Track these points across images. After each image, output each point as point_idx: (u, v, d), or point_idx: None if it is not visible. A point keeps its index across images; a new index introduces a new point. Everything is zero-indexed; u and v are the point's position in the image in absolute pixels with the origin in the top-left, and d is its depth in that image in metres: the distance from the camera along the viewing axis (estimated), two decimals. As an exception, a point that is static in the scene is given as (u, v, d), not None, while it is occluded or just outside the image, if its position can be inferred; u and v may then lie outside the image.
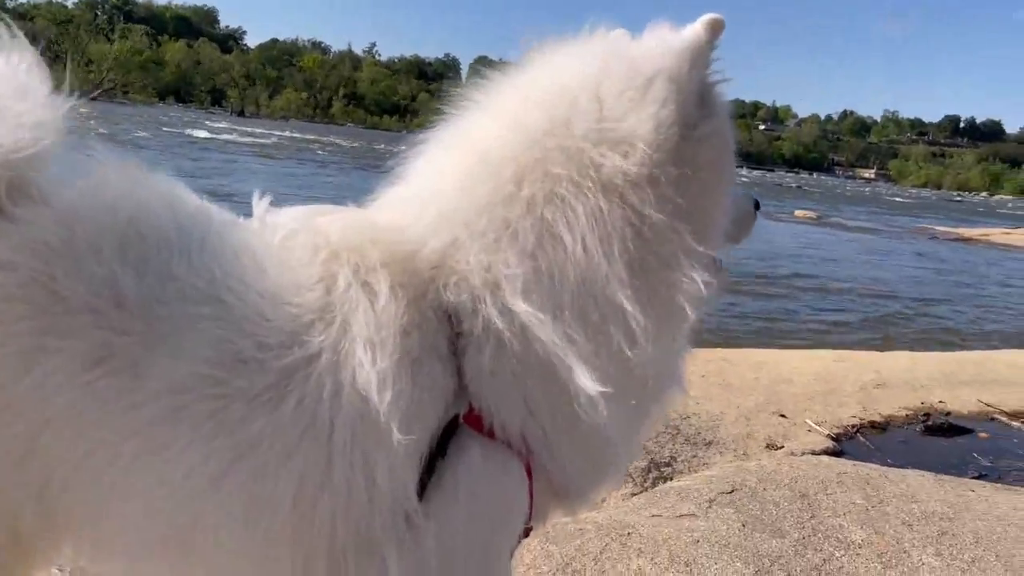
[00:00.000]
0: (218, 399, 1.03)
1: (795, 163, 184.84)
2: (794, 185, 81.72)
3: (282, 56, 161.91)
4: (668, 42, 1.23)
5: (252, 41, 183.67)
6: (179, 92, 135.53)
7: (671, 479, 3.68)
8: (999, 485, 3.84)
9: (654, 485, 3.57)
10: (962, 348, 8.99)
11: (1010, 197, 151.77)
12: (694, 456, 3.99)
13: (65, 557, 1.31)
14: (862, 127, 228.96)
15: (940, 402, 5.51)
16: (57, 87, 1.18)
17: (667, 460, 3.86)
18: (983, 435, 5.01)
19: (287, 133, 64.05)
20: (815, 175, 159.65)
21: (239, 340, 1.05)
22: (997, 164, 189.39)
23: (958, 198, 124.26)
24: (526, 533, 1.26)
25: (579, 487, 1.27)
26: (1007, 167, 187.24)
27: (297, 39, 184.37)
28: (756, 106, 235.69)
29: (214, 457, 1.03)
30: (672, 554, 2.58)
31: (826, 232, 27.22)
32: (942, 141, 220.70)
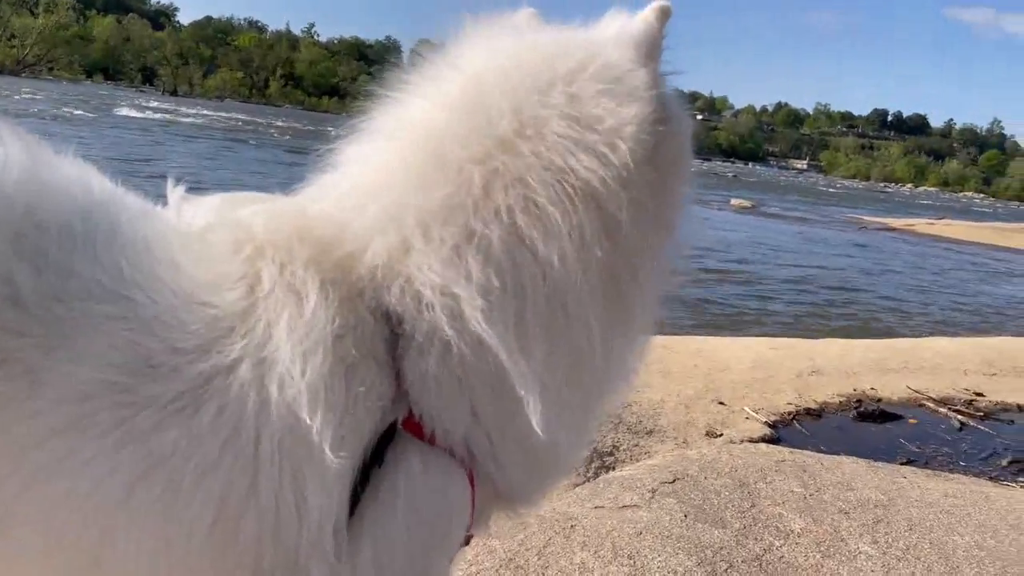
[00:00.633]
0: (126, 407, 0.92)
1: (731, 153, 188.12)
2: (730, 175, 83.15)
3: (216, 34, 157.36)
4: (631, 33, 1.15)
5: (185, 18, 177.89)
6: (108, 70, 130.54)
7: (614, 468, 3.67)
8: (928, 471, 3.95)
9: (597, 475, 3.55)
10: (892, 336, 9.25)
11: (933, 189, 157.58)
12: (636, 445, 3.99)
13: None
14: (795, 119, 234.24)
15: (872, 389, 5.65)
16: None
17: (609, 450, 3.85)
18: (912, 421, 5.15)
19: (221, 113, 62.38)
20: (750, 165, 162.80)
21: (149, 343, 0.95)
22: (922, 157, 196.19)
23: (885, 189, 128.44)
24: (466, 541, 1.19)
25: (525, 491, 1.21)
26: (931, 160, 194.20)
27: (232, 17, 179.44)
28: (694, 96, 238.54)
29: (122, 470, 0.92)
30: (616, 547, 2.56)
31: (762, 221, 27.79)
32: (871, 134, 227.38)
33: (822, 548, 2.71)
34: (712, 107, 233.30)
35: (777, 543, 2.71)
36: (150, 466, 0.92)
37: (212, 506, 0.94)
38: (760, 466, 3.49)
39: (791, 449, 3.95)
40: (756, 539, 2.72)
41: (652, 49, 1.14)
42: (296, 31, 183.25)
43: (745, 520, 2.87)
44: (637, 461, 3.73)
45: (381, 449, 1.02)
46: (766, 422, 4.72)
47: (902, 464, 4.12)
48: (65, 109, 38.41)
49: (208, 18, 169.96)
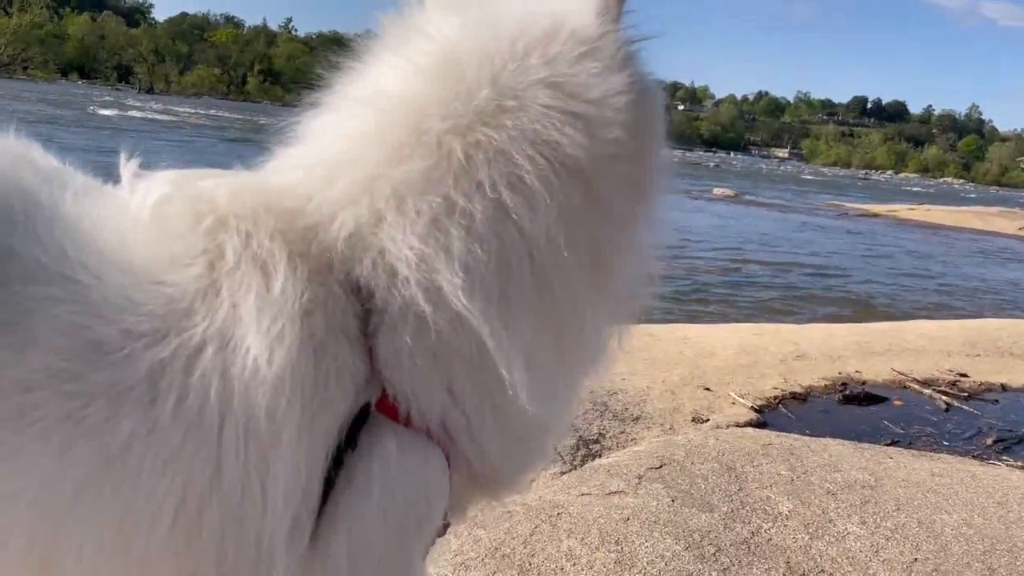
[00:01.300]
0: (75, 397, 0.86)
1: (713, 143, 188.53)
2: (712, 164, 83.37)
3: (193, 31, 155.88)
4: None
5: (160, 15, 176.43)
6: (83, 68, 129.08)
7: (600, 456, 3.64)
8: (914, 451, 3.95)
9: (583, 463, 3.52)
10: (876, 319, 9.28)
11: (914, 175, 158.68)
12: (622, 432, 3.96)
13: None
14: (776, 108, 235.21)
15: (856, 372, 5.66)
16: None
17: (595, 437, 3.82)
18: (898, 402, 5.17)
19: (198, 110, 61.80)
20: (732, 154, 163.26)
21: (99, 327, 0.88)
22: (902, 143, 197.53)
23: (867, 176, 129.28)
24: (443, 529, 1.13)
25: (506, 474, 1.15)
26: (911, 146, 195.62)
27: (208, 13, 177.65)
28: (675, 86, 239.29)
29: (75, 464, 0.86)
30: (603, 533, 2.53)
31: (744, 210, 27.88)
32: (851, 121, 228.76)
33: (810, 529, 2.69)
34: (693, 97, 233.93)
35: (765, 525, 2.69)
36: (103, 462, 0.86)
37: (173, 500, 0.89)
38: (747, 450, 3.47)
39: (777, 433, 3.94)
40: (744, 522, 2.70)
41: (616, 12, 1.10)
42: (273, 26, 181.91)
43: (733, 504, 2.85)
44: (623, 448, 3.70)
45: (355, 432, 0.96)
46: (752, 407, 4.71)
47: (887, 445, 4.11)
48: (39, 108, 37.91)
49: (184, 14, 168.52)
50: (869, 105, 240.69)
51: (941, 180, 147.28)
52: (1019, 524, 2.88)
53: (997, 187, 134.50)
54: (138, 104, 57.03)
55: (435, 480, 1.04)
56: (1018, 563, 2.55)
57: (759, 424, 4.40)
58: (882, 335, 6.88)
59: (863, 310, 10.89)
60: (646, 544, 2.48)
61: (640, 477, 3.04)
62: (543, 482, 3.25)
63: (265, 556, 0.92)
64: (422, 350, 0.98)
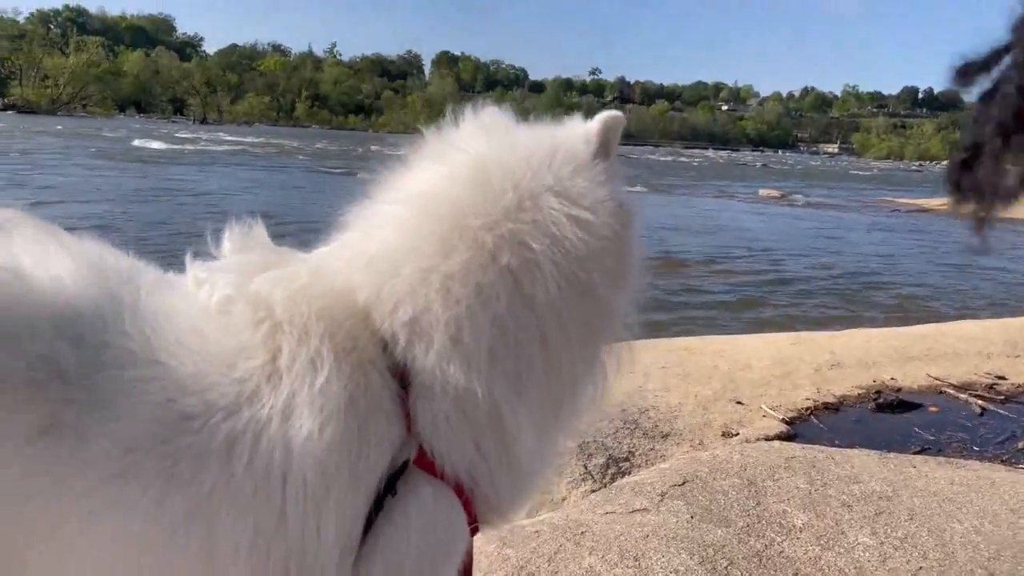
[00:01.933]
0: (167, 457, 1.11)
1: (759, 142, 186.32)
2: (759, 164, 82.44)
3: (242, 61, 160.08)
4: (588, 132, 1.40)
5: (211, 47, 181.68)
6: (139, 103, 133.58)
7: (629, 474, 3.82)
8: (941, 459, 4.03)
9: (612, 481, 3.71)
10: (923, 321, 9.23)
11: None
12: (651, 449, 4.14)
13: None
14: (823, 103, 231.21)
15: (891, 379, 5.71)
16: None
17: (625, 455, 4.00)
18: (933, 409, 5.21)
19: (250, 139, 63.43)
20: (780, 152, 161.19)
21: (184, 400, 1.13)
22: (956, 133, 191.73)
23: (921, 167, 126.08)
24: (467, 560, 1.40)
25: (510, 509, 1.42)
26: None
27: (256, 43, 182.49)
28: (718, 87, 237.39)
29: (169, 511, 1.10)
30: (622, 550, 2.72)
31: (791, 211, 27.60)
32: (902, 112, 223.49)
33: (822, 541, 2.83)
34: (737, 97, 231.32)
35: (778, 539, 2.84)
36: (192, 508, 1.12)
37: (247, 538, 1.14)
38: (770, 464, 3.62)
39: (803, 445, 4.06)
40: (758, 536, 2.86)
41: (605, 146, 1.40)
42: (319, 52, 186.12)
43: (749, 518, 3.01)
44: (652, 465, 3.87)
45: (393, 481, 1.22)
46: (782, 419, 4.83)
47: (915, 453, 4.20)
48: (99, 144, 39.44)
49: (233, 46, 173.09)
50: (920, 95, 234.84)
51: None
52: (1033, 530, 2.97)
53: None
54: (196, 136, 58.81)
55: (461, 522, 1.30)
56: (1020, 568, 2.66)
57: (788, 436, 4.52)
58: (921, 339, 6.89)
59: (911, 312, 10.80)
60: (662, 559, 2.66)
61: (663, 495, 3.22)
62: (572, 501, 3.45)
63: None
64: (455, 415, 1.24)
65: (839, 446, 4.22)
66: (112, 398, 1.12)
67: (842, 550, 2.78)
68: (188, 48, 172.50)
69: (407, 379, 1.23)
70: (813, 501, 3.18)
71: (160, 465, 1.11)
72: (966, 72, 0.73)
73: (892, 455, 3.97)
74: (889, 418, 5.05)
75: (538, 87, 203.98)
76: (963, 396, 5.37)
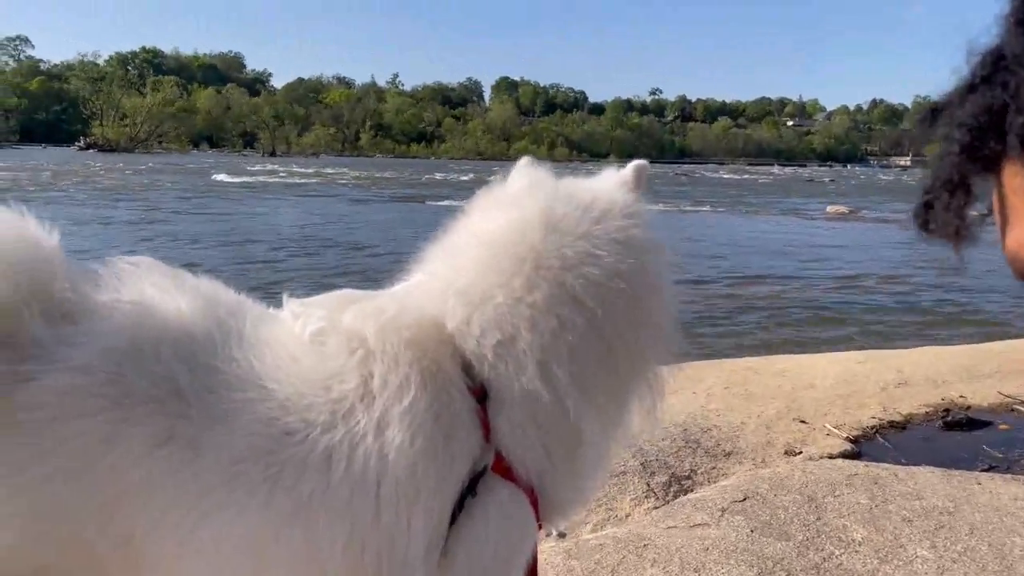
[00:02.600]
0: (272, 466, 1.31)
1: (827, 156, 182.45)
2: (827, 179, 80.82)
3: (308, 94, 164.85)
4: (623, 180, 1.65)
5: (278, 82, 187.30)
6: (211, 138, 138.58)
7: (691, 491, 3.92)
8: (1008, 476, 4.01)
9: (675, 498, 3.81)
10: (996, 338, 9.02)
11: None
12: (713, 467, 4.23)
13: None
14: (893, 115, 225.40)
15: (961, 397, 5.65)
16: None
17: (687, 473, 4.10)
18: (1003, 427, 5.15)
19: (319, 169, 65.16)
20: (849, 167, 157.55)
21: (285, 417, 1.34)
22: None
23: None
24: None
25: (569, 511, 1.63)
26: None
27: (322, 76, 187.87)
28: (782, 102, 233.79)
29: (272, 514, 1.30)
30: (683, 562, 2.84)
31: (860, 228, 27.06)
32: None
33: (880, 555, 2.90)
34: (802, 111, 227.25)
35: (837, 552, 2.92)
36: (294, 511, 1.32)
37: (344, 536, 1.34)
38: (831, 481, 3.68)
39: (866, 463, 4.10)
40: (817, 549, 2.95)
41: (640, 187, 1.66)
42: (381, 82, 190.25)
43: (809, 532, 3.09)
44: (714, 483, 3.97)
45: (474, 484, 1.41)
46: (847, 437, 4.85)
47: (982, 471, 4.19)
48: (178, 179, 41.14)
49: (300, 79, 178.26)
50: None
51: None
52: (1099, 545, 2.98)
53: None
54: (265, 168, 60.72)
55: (532, 522, 1.49)
56: (1081, 582, 2.68)
57: (853, 455, 4.54)
58: (992, 356, 6.78)
59: (981, 329, 10.54)
60: (722, 571, 2.77)
61: (724, 510, 3.33)
62: (635, 517, 3.58)
63: (408, 569, 1.38)
64: (531, 425, 1.45)
65: (905, 464, 4.23)
66: (222, 416, 1.33)
67: (900, 563, 2.84)
68: (257, 83, 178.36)
69: (485, 395, 1.43)
70: (873, 516, 3.24)
71: (265, 474, 1.32)
72: (929, 119, 0.80)
73: (956, 472, 3.97)
74: (957, 436, 5.01)
75: (598, 109, 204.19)
76: (1035, 414, 5.29)
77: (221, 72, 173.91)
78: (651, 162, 1.77)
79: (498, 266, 1.50)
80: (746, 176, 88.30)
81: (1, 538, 1.32)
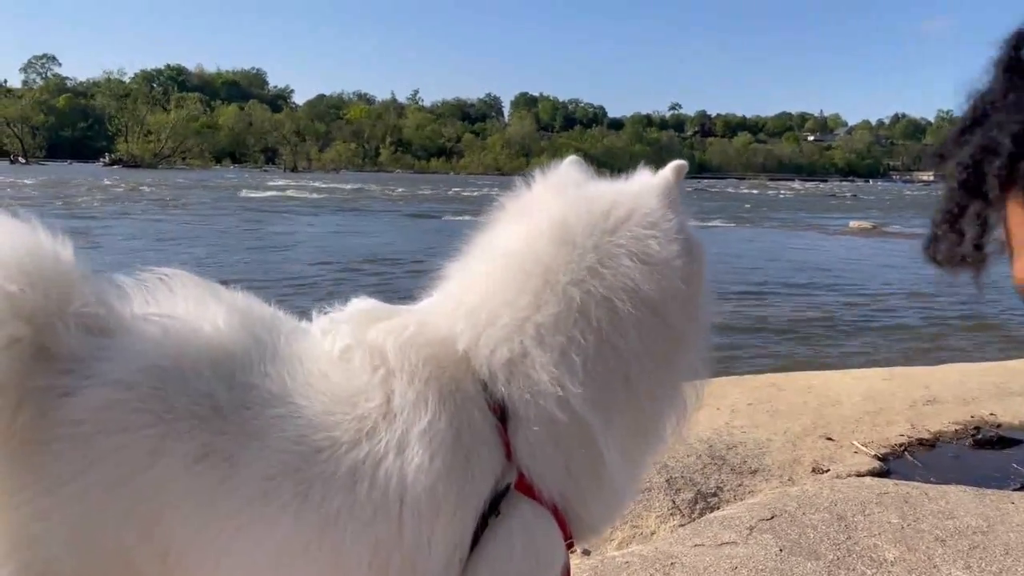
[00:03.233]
0: (302, 482, 1.33)
1: (849, 172, 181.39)
2: (849, 194, 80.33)
3: (329, 110, 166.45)
4: (657, 186, 1.58)
5: (300, 98, 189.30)
6: (234, 154, 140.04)
7: (718, 508, 3.88)
8: (1042, 496, 3.93)
9: (701, 515, 3.77)
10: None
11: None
12: (740, 485, 4.18)
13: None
14: (916, 129, 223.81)
15: (991, 415, 5.56)
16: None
17: (713, 491, 4.06)
18: (1034, 445, 5.06)
19: (340, 185, 65.64)
20: (871, 182, 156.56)
21: (314, 434, 1.35)
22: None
23: None
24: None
25: (600, 525, 1.60)
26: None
27: (342, 92, 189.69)
28: (803, 118, 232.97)
29: (302, 528, 1.32)
30: (712, 580, 2.80)
31: (883, 243, 26.82)
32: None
33: (914, 575, 2.85)
34: (823, 126, 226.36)
35: (869, 572, 2.87)
36: (322, 526, 1.33)
37: (368, 551, 1.34)
38: (861, 499, 3.62)
39: (896, 481, 4.04)
40: (848, 569, 2.90)
41: (674, 197, 1.57)
42: (401, 99, 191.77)
43: (839, 552, 3.04)
44: (740, 500, 3.92)
45: (497, 503, 1.40)
46: (875, 455, 4.78)
47: (1015, 490, 4.11)
48: (201, 194, 41.61)
49: (321, 96, 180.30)
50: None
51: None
52: None
53: None
54: (289, 184, 61.28)
55: (559, 538, 1.47)
56: (1123, 605, 2.62)
57: (881, 473, 4.48)
58: (1021, 374, 6.68)
59: (1013, 347, 10.38)
60: (752, 590, 2.73)
61: (751, 528, 3.28)
62: (661, 535, 3.54)
63: None
64: (550, 443, 1.43)
65: (934, 483, 4.17)
66: (257, 432, 1.35)
67: (935, 584, 2.79)
68: (279, 100, 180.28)
69: (505, 413, 1.41)
70: (905, 536, 3.18)
71: (296, 490, 1.33)
72: (940, 157, 0.83)
73: (989, 491, 3.90)
74: (988, 455, 4.93)
75: (617, 124, 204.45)
76: (1068, 432, 5.19)
77: (244, 88, 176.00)
78: None
79: (505, 283, 1.48)
80: (767, 191, 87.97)
81: (42, 551, 1.33)
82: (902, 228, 32.52)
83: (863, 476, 4.32)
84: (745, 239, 26.05)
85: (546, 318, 1.43)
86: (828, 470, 4.50)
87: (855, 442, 4.99)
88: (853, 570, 2.89)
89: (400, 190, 60.11)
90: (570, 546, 1.51)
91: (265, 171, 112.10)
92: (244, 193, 46.34)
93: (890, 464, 4.70)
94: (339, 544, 1.33)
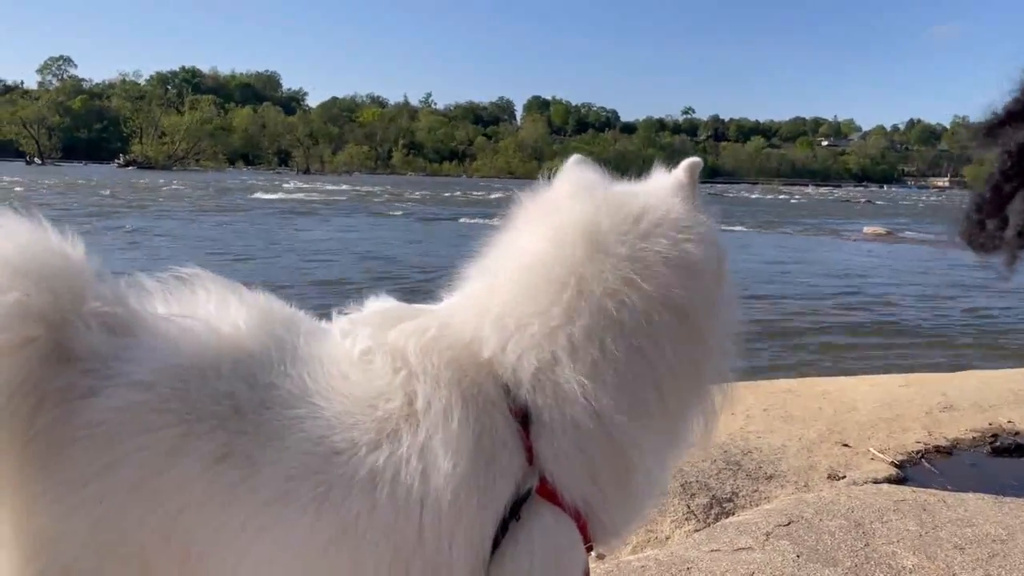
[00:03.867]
0: (321, 484, 1.32)
1: (863, 177, 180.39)
2: (863, 200, 79.87)
3: (342, 113, 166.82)
4: (677, 185, 1.58)
5: (313, 101, 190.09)
6: (247, 156, 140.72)
7: (733, 514, 3.85)
8: (1063, 504, 3.89)
9: (716, 520, 3.75)
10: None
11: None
12: (755, 490, 4.15)
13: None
14: (931, 135, 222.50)
15: (1009, 422, 5.50)
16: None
17: (728, 496, 4.03)
18: (1054, 454, 5.00)
19: (353, 187, 65.80)
20: (885, 188, 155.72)
21: (334, 436, 1.34)
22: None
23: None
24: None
25: (622, 533, 1.59)
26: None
27: (355, 95, 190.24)
28: (817, 122, 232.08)
29: (321, 531, 1.31)
30: (729, 586, 2.78)
31: (898, 248, 26.67)
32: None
33: (933, 584, 2.82)
34: (837, 132, 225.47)
35: (887, 580, 2.85)
36: (342, 528, 1.32)
37: (388, 555, 1.33)
38: (878, 506, 3.59)
39: (913, 488, 4.00)
40: (866, 576, 2.87)
41: (692, 196, 1.57)
42: (414, 101, 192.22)
43: (857, 559, 3.01)
44: (756, 506, 3.89)
45: (518, 507, 1.39)
46: (892, 462, 4.73)
47: (1035, 499, 4.06)
48: (216, 196, 41.81)
49: (334, 98, 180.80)
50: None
51: None
52: None
53: None
54: (301, 186, 61.48)
55: (579, 543, 1.46)
56: None
57: (898, 480, 4.44)
58: (1040, 381, 6.61)
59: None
60: (769, 596, 2.71)
61: (768, 534, 3.26)
62: (676, 539, 3.52)
63: None
64: (576, 450, 1.41)
65: (952, 490, 4.13)
66: (276, 432, 1.34)
67: (955, 592, 2.76)
68: (292, 102, 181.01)
69: (528, 418, 1.40)
70: (924, 543, 3.15)
71: (315, 492, 1.32)
72: (989, 134, 0.82)
73: (1008, 499, 3.86)
74: (1007, 462, 4.87)
75: (629, 128, 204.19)
76: (1088, 440, 5.13)
77: (257, 91, 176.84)
78: None
79: (536, 290, 1.46)
80: (780, 196, 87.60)
81: (60, 554, 1.32)
82: (917, 234, 32.32)
83: (880, 483, 4.28)
84: (759, 244, 25.95)
85: (579, 329, 1.42)
86: (844, 477, 4.46)
87: (871, 449, 4.95)
88: (871, 577, 2.87)
89: (413, 193, 60.24)
90: (589, 549, 1.50)
91: (278, 173, 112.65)
92: (258, 195, 46.54)
93: (907, 471, 4.66)
94: (358, 549, 1.32)
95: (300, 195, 49.10)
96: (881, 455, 4.84)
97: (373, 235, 25.56)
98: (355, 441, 1.35)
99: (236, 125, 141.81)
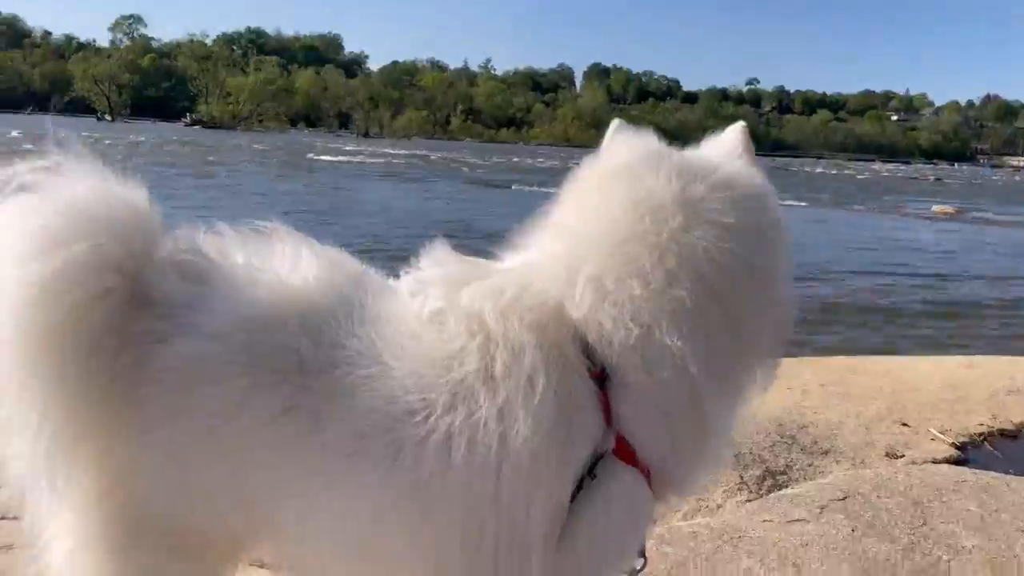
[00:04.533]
0: (393, 443, 1.32)
1: (933, 154, 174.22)
2: (932, 177, 77.30)
3: (402, 77, 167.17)
4: (733, 148, 1.62)
5: (374, 64, 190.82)
6: (309, 117, 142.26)
7: (786, 487, 3.82)
8: None
9: (768, 492, 3.72)
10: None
11: None
12: (810, 465, 4.10)
13: (266, 554, 1.71)
14: (1008, 112, 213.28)
15: (1079, 408, 5.33)
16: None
17: (782, 469, 3.99)
18: None
19: (411, 151, 66.07)
20: (956, 166, 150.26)
21: (406, 396, 1.33)
22: None
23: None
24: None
25: (689, 487, 1.60)
26: None
27: (416, 59, 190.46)
28: (887, 96, 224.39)
29: (392, 489, 1.32)
30: (781, 556, 2.77)
31: (967, 228, 25.80)
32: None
33: (994, 564, 2.76)
34: (909, 106, 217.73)
35: (945, 558, 2.80)
36: (414, 487, 1.32)
37: (461, 515, 1.34)
38: (938, 486, 3.52)
39: (975, 470, 3.91)
40: (924, 554, 2.83)
41: (749, 156, 1.60)
42: (474, 67, 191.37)
43: (915, 536, 2.97)
44: (810, 480, 3.85)
45: (593, 466, 1.39)
46: (953, 443, 4.62)
47: (1105, 486, 3.94)
48: (284, 156, 42.44)
49: (395, 62, 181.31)
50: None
51: None
52: None
53: None
54: (361, 148, 61.96)
55: (649, 500, 1.47)
56: None
57: (959, 461, 4.33)
58: (1116, 368, 6.36)
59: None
60: (823, 568, 2.69)
61: (823, 507, 3.23)
62: (729, 508, 3.50)
63: (527, 551, 1.37)
64: (658, 413, 1.42)
65: (1015, 474, 4.02)
66: (344, 391, 1.34)
67: (1015, 574, 2.70)
68: (354, 65, 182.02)
69: (605, 377, 1.39)
70: (985, 524, 3.09)
71: (386, 451, 1.32)
72: None
73: (1077, 485, 3.75)
74: (1076, 448, 4.73)
75: (691, 98, 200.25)
76: None
77: (320, 53, 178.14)
78: None
79: (634, 254, 1.44)
80: (846, 171, 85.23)
81: (134, 492, 1.39)
82: (988, 215, 31.18)
83: (939, 463, 4.20)
84: (819, 219, 25.36)
85: (681, 294, 1.41)
86: (903, 456, 4.38)
87: (932, 429, 4.84)
88: (929, 554, 2.82)
89: (471, 159, 60.17)
90: None
91: (339, 135, 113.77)
92: (323, 156, 47.07)
93: (968, 453, 4.55)
94: (431, 507, 1.33)
95: (361, 158, 49.53)
96: (942, 436, 4.73)
97: (433, 199, 25.70)
98: (430, 402, 1.34)
99: (298, 87, 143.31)
